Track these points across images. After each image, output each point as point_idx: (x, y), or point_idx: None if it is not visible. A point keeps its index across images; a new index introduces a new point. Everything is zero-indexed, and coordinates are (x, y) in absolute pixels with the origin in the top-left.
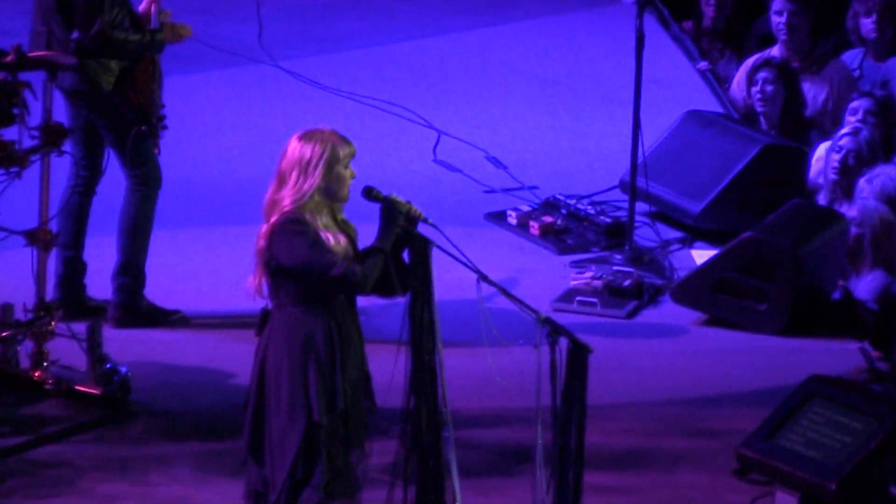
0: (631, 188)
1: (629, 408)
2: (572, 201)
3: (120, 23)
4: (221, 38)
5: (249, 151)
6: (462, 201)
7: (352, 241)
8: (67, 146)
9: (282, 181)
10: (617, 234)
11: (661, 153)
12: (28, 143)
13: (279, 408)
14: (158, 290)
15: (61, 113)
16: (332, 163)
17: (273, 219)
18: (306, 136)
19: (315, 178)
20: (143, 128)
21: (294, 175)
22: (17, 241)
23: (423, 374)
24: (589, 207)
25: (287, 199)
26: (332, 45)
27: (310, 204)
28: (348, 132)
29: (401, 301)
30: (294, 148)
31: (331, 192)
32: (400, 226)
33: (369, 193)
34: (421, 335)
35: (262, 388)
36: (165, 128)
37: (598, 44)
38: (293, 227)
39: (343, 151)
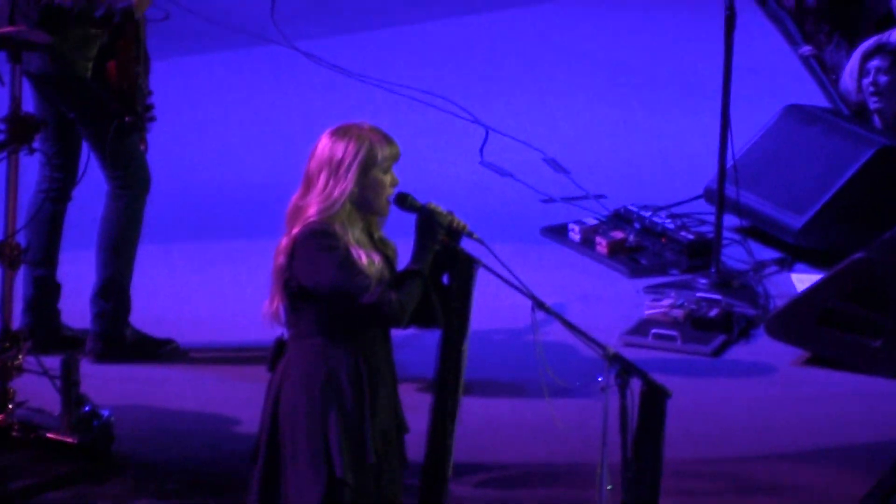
0: (718, 198)
1: (712, 464)
2: (647, 213)
3: None
4: (226, 12)
5: (259, 150)
6: (514, 212)
7: (389, 262)
8: (38, 142)
9: (308, 185)
10: (701, 254)
11: (756, 156)
12: None
13: (295, 462)
14: (147, 316)
15: (31, 102)
16: (368, 165)
17: (295, 230)
18: (339, 133)
19: (347, 183)
20: (127, 119)
21: (323, 178)
22: None
23: (444, 423)
24: (667, 221)
25: (313, 207)
26: (357, 22)
27: (340, 214)
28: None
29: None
30: (324, 146)
31: (366, 201)
32: (440, 241)
33: (403, 201)
34: (448, 376)
35: (274, 436)
36: (153, 119)
37: (679, 24)
38: (319, 242)
39: (383, 152)
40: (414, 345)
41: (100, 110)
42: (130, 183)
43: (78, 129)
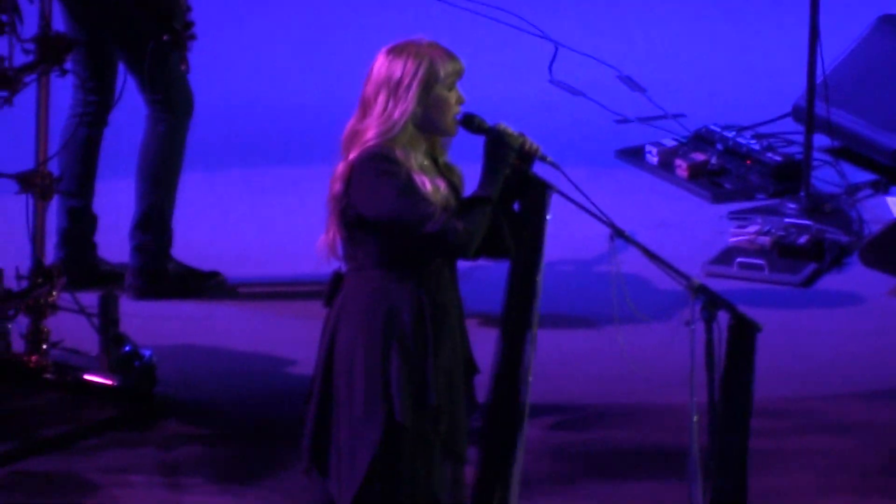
0: (808, 116)
1: (801, 402)
2: (731, 134)
3: None
4: None
5: (309, 70)
6: (586, 133)
7: (455, 189)
8: (70, 64)
9: (366, 108)
10: (789, 177)
11: (848, 70)
12: (21, 59)
13: (351, 402)
14: (191, 248)
15: (62, 21)
16: (429, 82)
17: (352, 155)
18: (396, 50)
19: (408, 103)
20: (165, 38)
21: (381, 99)
22: (8, 185)
23: (512, 360)
24: (752, 142)
25: (371, 130)
26: None
27: (402, 137)
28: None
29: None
30: (381, 65)
31: (430, 121)
32: (510, 165)
33: (471, 122)
34: (517, 309)
35: (329, 374)
36: (194, 37)
37: None
38: (379, 167)
39: (445, 68)
40: (469, 277)
41: (135, 29)
42: (171, 106)
43: (113, 49)
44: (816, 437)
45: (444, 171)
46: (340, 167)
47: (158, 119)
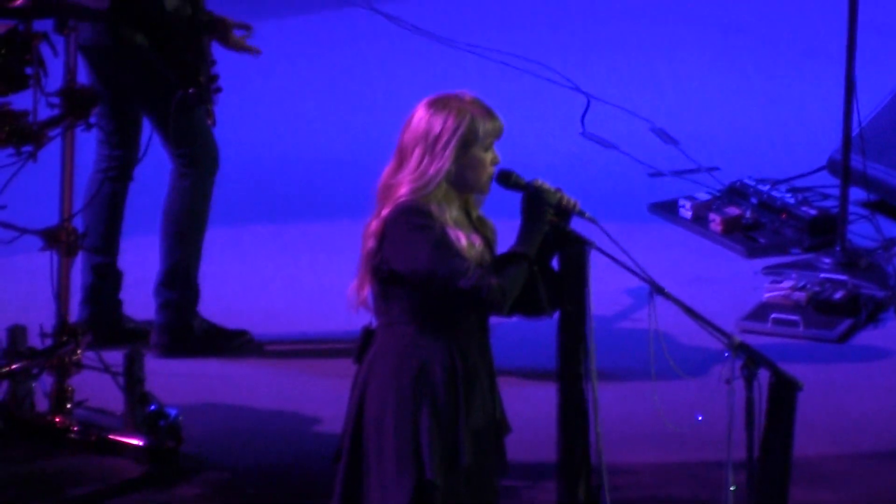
0: (843, 170)
1: (839, 461)
2: (765, 187)
3: None
4: None
5: (338, 124)
6: (619, 187)
7: (489, 244)
8: (95, 118)
9: (401, 161)
10: (825, 231)
11: (884, 123)
12: (45, 113)
13: (382, 462)
14: (217, 306)
15: (86, 75)
16: (468, 141)
17: (385, 211)
18: (438, 104)
19: (444, 161)
20: (191, 92)
21: (417, 154)
22: (33, 242)
23: (576, 417)
24: (787, 195)
25: (405, 186)
26: None
27: (436, 194)
28: None
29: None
30: (420, 118)
31: (465, 180)
32: (549, 222)
33: (507, 179)
34: (572, 366)
35: (359, 433)
36: (219, 90)
37: None
38: (413, 221)
39: (485, 127)
40: (500, 335)
41: (160, 82)
42: (197, 161)
43: (137, 104)
44: (851, 495)
45: (478, 226)
46: (374, 224)
47: (183, 174)
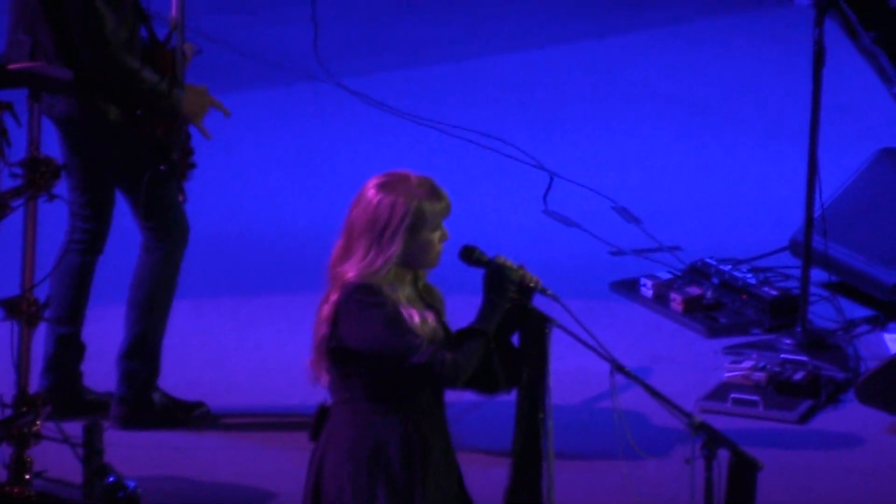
0: (805, 251)
1: None
2: (727, 267)
3: (128, 47)
4: (264, 45)
5: (301, 197)
6: (581, 265)
7: (439, 315)
8: (62, 188)
9: (349, 244)
10: (786, 312)
11: (846, 204)
12: (8, 183)
13: None
14: (176, 377)
15: (51, 144)
16: (416, 226)
17: (334, 296)
18: (386, 187)
19: (392, 249)
20: (161, 168)
21: (364, 243)
22: None
23: (527, 499)
24: (749, 275)
25: (352, 273)
26: (408, 56)
27: (386, 277)
28: (431, 172)
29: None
30: (368, 202)
31: (413, 260)
32: (510, 299)
33: (470, 255)
34: (528, 445)
35: None
36: (193, 166)
37: (762, 58)
38: (365, 299)
39: (433, 209)
40: (469, 415)
41: (131, 158)
42: (166, 235)
43: (109, 177)
44: None
45: (425, 294)
46: (325, 309)
47: (153, 247)
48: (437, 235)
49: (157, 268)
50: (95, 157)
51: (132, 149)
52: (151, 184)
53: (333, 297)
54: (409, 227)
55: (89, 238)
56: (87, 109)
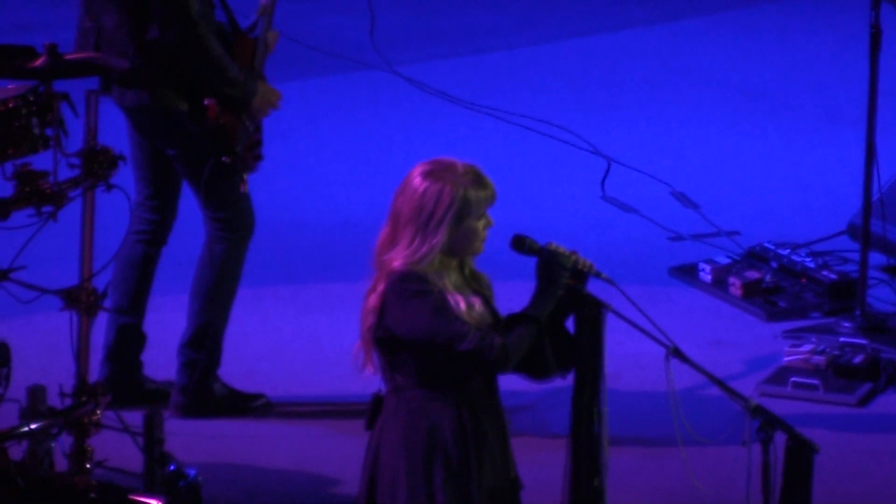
0: (863, 234)
1: None
2: (785, 251)
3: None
4: (321, 34)
5: (359, 185)
6: (639, 251)
7: (487, 301)
8: (121, 178)
9: (395, 231)
10: (845, 295)
11: None
12: (66, 173)
13: None
14: (236, 367)
15: (108, 134)
16: (462, 215)
17: (381, 286)
18: (432, 175)
19: (438, 237)
20: (224, 160)
21: (410, 231)
22: (53, 302)
23: (583, 481)
24: (807, 259)
25: (398, 262)
26: (464, 44)
27: (432, 265)
28: (487, 160)
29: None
30: (414, 189)
31: (458, 248)
32: (564, 285)
33: (521, 245)
34: (583, 430)
35: (372, 497)
36: (260, 158)
37: (818, 43)
38: (411, 287)
39: (478, 198)
40: (551, 405)
41: (197, 148)
42: (232, 226)
43: (176, 167)
44: None
45: (472, 281)
46: (372, 300)
47: (218, 238)
48: (481, 223)
49: (221, 258)
50: (163, 146)
51: (197, 139)
52: (214, 174)
53: (380, 287)
54: (454, 215)
55: (154, 229)
56: (156, 98)
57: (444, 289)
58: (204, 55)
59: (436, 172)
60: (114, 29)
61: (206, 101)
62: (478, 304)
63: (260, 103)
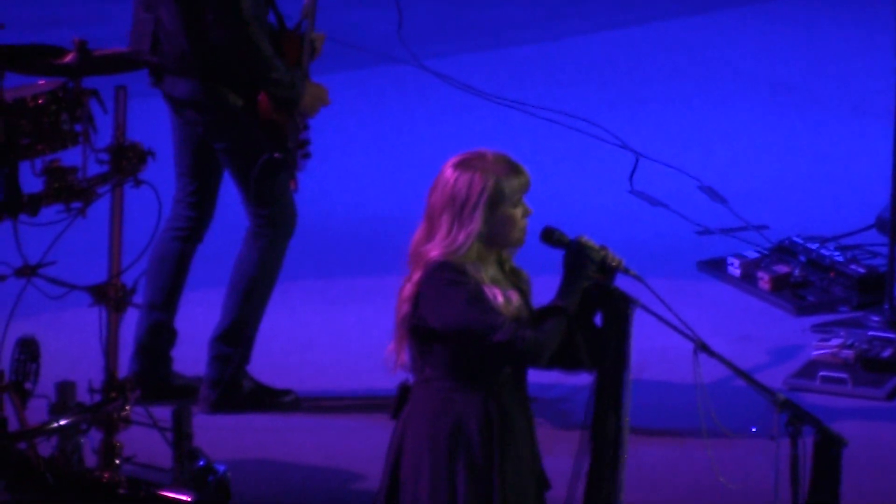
0: (892, 228)
1: None
2: (814, 245)
3: (262, 30)
4: (348, 28)
5: (386, 180)
6: (667, 245)
7: (525, 297)
8: (150, 174)
9: (431, 224)
10: (874, 289)
11: None
12: (95, 169)
13: None
14: (265, 362)
15: (137, 130)
16: (495, 201)
17: (417, 275)
18: (462, 165)
19: (474, 224)
20: (276, 156)
21: (446, 220)
22: (82, 298)
23: (603, 473)
24: (836, 253)
25: (436, 251)
26: (491, 38)
27: (469, 255)
28: (514, 153)
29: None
30: (446, 181)
31: (497, 238)
32: (592, 278)
33: (550, 236)
34: (606, 422)
35: (395, 490)
36: (308, 156)
37: (846, 36)
38: (447, 277)
39: (511, 184)
40: (572, 398)
41: (249, 144)
42: (275, 223)
43: (221, 164)
44: None
45: (511, 276)
46: (407, 289)
47: (259, 233)
48: (518, 211)
49: (261, 255)
50: (213, 138)
51: (250, 133)
52: (264, 171)
53: (416, 276)
54: (488, 202)
55: (192, 225)
56: (209, 91)
57: (481, 281)
58: (254, 55)
59: (466, 162)
60: (170, 20)
61: (258, 97)
62: (515, 298)
63: (309, 100)
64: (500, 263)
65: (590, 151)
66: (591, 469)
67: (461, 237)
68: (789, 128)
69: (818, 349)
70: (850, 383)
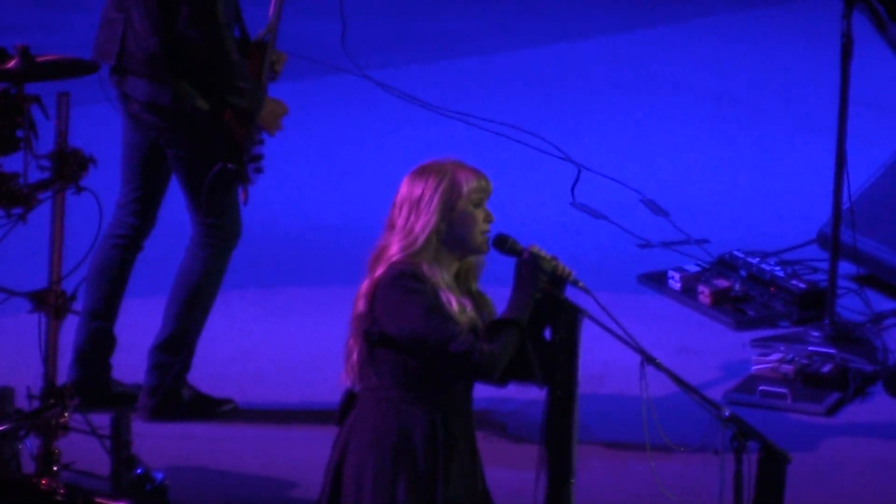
0: (833, 243)
1: None
2: (755, 260)
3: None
4: (292, 38)
5: (330, 190)
6: (609, 257)
7: (480, 312)
8: (90, 181)
9: (391, 227)
10: (814, 305)
11: (874, 197)
12: (36, 175)
13: None
14: (205, 371)
15: (79, 137)
16: (451, 197)
17: (378, 272)
18: (419, 171)
19: (429, 216)
20: (230, 166)
21: (403, 215)
22: (21, 304)
23: (558, 487)
24: (777, 268)
25: (395, 245)
26: (435, 49)
27: (426, 252)
28: None
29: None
30: (403, 187)
31: (456, 238)
32: (542, 289)
33: (503, 244)
34: (557, 436)
35: (336, 495)
36: (260, 171)
37: (789, 51)
38: (406, 284)
39: (469, 184)
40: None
41: (205, 152)
42: (221, 234)
43: (172, 172)
44: None
45: (477, 300)
46: (365, 285)
47: (205, 243)
48: (479, 213)
49: (205, 265)
50: (169, 144)
51: (207, 142)
52: (216, 181)
53: (377, 273)
54: (443, 195)
55: (133, 234)
56: (175, 95)
57: (437, 285)
58: (223, 59)
59: (422, 168)
60: (140, 21)
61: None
62: (469, 306)
63: (267, 116)
64: (468, 287)
65: (533, 163)
66: (548, 483)
67: (418, 227)
68: (732, 142)
69: (758, 364)
70: (790, 398)
